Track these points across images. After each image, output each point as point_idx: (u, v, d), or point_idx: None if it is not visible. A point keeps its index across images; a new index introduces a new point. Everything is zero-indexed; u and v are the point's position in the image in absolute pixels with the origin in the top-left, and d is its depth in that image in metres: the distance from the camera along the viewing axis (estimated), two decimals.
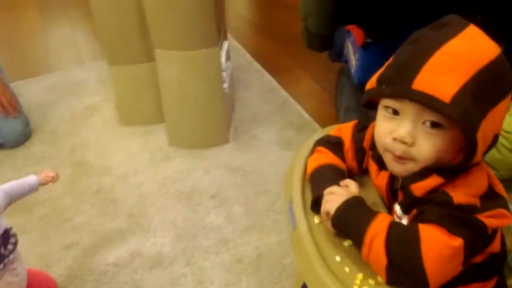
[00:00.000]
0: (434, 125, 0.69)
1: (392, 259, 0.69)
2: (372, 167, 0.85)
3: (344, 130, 0.91)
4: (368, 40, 1.53)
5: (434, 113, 0.68)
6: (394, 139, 0.72)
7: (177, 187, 1.76)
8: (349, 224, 0.75)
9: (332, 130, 0.93)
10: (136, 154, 1.95)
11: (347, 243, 0.77)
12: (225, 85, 1.93)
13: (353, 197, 0.77)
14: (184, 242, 1.54)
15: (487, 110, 0.68)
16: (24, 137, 2.03)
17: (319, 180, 0.83)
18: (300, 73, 2.39)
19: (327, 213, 0.78)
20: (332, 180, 0.82)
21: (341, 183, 0.81)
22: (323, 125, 1.96)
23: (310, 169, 0.87)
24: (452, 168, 0.71)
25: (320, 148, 0.90)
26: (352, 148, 0.89)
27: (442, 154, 0.71)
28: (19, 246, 1.42)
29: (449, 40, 0.68)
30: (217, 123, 1.95)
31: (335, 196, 0.77)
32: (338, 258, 0.74)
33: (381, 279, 0.71)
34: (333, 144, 0.88)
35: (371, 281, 0.71)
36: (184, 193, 1.73)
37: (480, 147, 0.68)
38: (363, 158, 0.88)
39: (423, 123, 0.70)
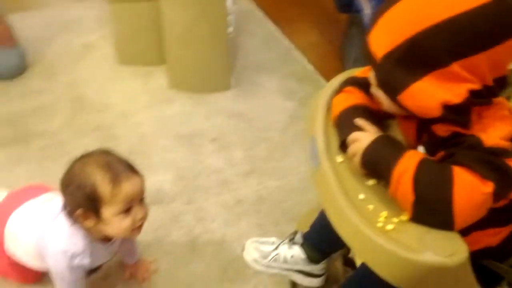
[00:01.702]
0: None
1: (420, 196, 0.69)
2: None
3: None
4: None
5: None
6: None
7: (177, 129, 1.75)
8: (377, 162, 0.75)
9: (358, 72, 0.92)
10: (136, 94, 1.92)
11: (371, 182, 0.78)
12: (230, 29, 1.89)
13: (379, 136, 0.77)
14: (185, 181, 1.54)
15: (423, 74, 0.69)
16: (19, 70, 1.97)
17: (349, 121, 0.82)
18: (304, 24, 2.35)
19: (354, 154, 0.78)
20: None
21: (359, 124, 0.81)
22: (326, 77, 1.95)
23: (340, 108, 0.86)
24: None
25: (349, 88, 0.88)
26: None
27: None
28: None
29: None
30: (219, 67, 1.92)
31: (363, 135, 0.77)
32: (361, 196, 0.75)
33: (405, 217, 0.72)
34: (363, 85, 0.87)
35: (395, 219, 0.71)
36: (185, 136, 1.72)
37: (414, 106, 0.72)
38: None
39: None
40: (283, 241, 1.14)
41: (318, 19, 2.35)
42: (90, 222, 1.00)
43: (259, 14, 2.42)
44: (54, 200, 1.12)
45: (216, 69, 1.91)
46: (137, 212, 1.00)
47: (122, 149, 1.64)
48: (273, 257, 1.11)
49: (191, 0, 1.74)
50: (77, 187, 0.98)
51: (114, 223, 0.98)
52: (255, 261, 1.14)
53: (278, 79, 2.00)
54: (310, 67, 2.06)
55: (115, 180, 0.96)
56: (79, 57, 2.10)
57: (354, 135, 0.79)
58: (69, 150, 1.64)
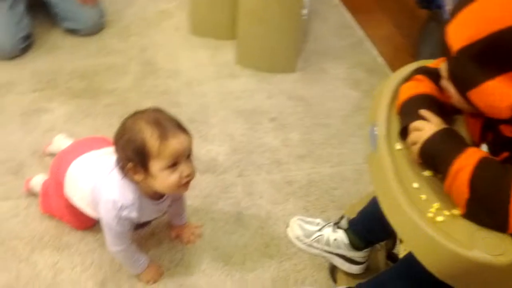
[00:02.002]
0: None
1: (475, 194, 0.67)
2: None
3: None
4: None
5: None
6: None
7: (239, 104, 1.77)
8: (436, 154, 0.73)
9: (430, 62, 0.89)
10: (203, 65, 1.96)
11: (427, 173, 0.76)
12: (304, 11, 1.89)
13: (443, 128, 0.75)
14: (239, 155, 1.57)
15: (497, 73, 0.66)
16: (98, 28, 2.07)
17: (414, 108, 0.81)
18: (381, 15, 2.30)
19: (414, 143, 0.77)
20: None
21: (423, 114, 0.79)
22: None
23: (406, 95, 0.84)
24: None
25: (419, 76, 0.87)
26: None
27: None
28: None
29: None
30: (288, 49, 1.92)
31: (427, 125, 0.76)
32: (415, 185, 0.74)
33: (457, 212, 0.70)
34: (434, 75, 0.85)
35: (446, 212, 0.70)
36: (245, 111, 1.74)
37: (483, 105, 0.70)
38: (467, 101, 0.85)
39: None
40: (328, 223, 1.14)
41: (395, 12, 2.29)
42: (139, 177, 1.03)
43: (335, 0, 2.39)
44: (113, 154, 1.16)
45: (284, 50, 1.91)
46: (183, 168, 1.02)
47: (184, 116, 1.68)
48: (316, 238, 1.11)
49: None
50: (128, 142, 1.01)
51: (161, 178, 1.01)
52: (298, 238, 1.14)
53: (345, 67, 1.98)
54: (380, 60, 2.02)
55: (163, 136, 0.99)
56: (154, 22, 2.16)
57: (417, 123, 0.78)
58: (134, 110, 1.69)
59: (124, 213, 1.07)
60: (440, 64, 0.85)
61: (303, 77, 1.93)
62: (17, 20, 1.88)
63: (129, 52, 1.98)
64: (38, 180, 1.38)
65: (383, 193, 0.75)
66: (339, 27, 2.21)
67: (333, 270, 1.20)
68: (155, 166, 1.00)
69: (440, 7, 1.65)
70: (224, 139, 1.62)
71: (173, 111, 1.10)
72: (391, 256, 1.16)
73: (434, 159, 0.74)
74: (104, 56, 1.95)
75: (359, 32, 2.18)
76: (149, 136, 0.99)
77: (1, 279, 1.22)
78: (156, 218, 1.27)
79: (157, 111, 1.06)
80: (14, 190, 1.42)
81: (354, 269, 1.13)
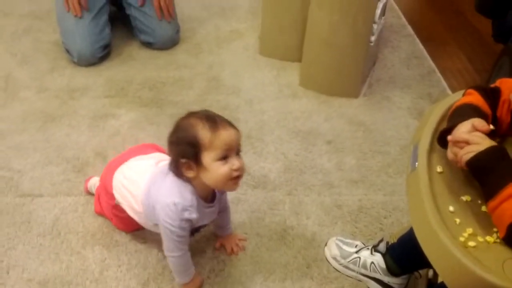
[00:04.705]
0: None
1: None
2: None
3: (507, 83, 0.85)
4: None
5: None
6: None
7: (296, 124, 1.78)
8: (490, 170, 0.70)
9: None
10: (266, 84, 1.99)
11: (465, 198, 0.73)
12: (372, 38, 1.87)
13: (497, 146, 0.72)
14: (291, 174, 1.57)
15: None
16: (172, 43, 2.17)
17: (456, 116, 0.78)
18: (453, 48, 2.24)
19: (467, 153, 0.74)
20: (470, 118, 0.77)
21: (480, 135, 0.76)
22: None
23: (456, 104, 0.83)
24: None
25: (470, 90, 0.86)
26: (510, 101, 0.83)
27: None
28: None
29: None
30: (353, 74, 1.91)
31: (482, 139, 0.73)
32: (451, 208, 0.71)
33: (491, 239, 0.67)
34: (486, 91, 0.82)
35: (480, 238, 0.67)
36: (302, 132, 1.75)
37: None
38: None
39: None
40: (367, 246, 1.10)
41: (470, 45, 2.22)
42: (192, 172, 1.06)
43: (408, 30, 2.36)
44: (165, 160, 1.20)
45: (348, 75, 1.91)
46: (234, 162, 1.05)
47: (241, 131, 1.73)
48: (352, 259, 1.09)
49: (339, 3, 1.76)
50: (181, 137, 1.07)
51: (213, 169, 1.04)
52: (335, 258, 1.12)
53: (411, 97, 1.94)
54: (449, 93, 1.96)
55: (214, 127, 1.03)
56: (224, 41, 2.24)
57: (470, 136, 0.74)
58: None
59: (186, 214, 1.09)
60: (502, 83, 0.83)
61: (366, 103, 1.91)
62: (99, 30, 2.02)
63: (197, 68, 2.06)
64: (94, 182, 1.45)
65: (416, 213, 0.73)
66: (409, 56, 2.18)
67: None
68: (207, 157, 1.04)
69: None
70: (277, 157, 1.63)
71: None
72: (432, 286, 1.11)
73: (486, 174, 0.71)
74: (174, 69, 2.04)
75: (430, 63, 2.13)
76: (201, 128, 1.04)
77: (53, 268, 1.29)
78: (205, 226, 1.28)
79: (208, 111, 1.12)
80: (76, 187, 1.51)
81: None
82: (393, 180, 1.57)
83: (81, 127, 1.74)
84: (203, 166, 1.05)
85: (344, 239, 1.13)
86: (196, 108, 1.75)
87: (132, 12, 2.12)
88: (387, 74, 2.06)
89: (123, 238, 1.37)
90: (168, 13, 2.11)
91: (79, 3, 1.97)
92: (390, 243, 1.08)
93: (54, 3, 2.07)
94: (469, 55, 2.17)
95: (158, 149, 1.35)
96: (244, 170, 1.08)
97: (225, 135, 1.03)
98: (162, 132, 1.70)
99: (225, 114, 1.78)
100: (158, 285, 1.26)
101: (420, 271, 1.10)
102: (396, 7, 2.53)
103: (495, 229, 0.69)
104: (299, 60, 2.00)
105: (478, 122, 0.75)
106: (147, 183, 1.17)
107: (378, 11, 1.83)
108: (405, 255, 1.04)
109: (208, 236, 1.38)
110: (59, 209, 1.44)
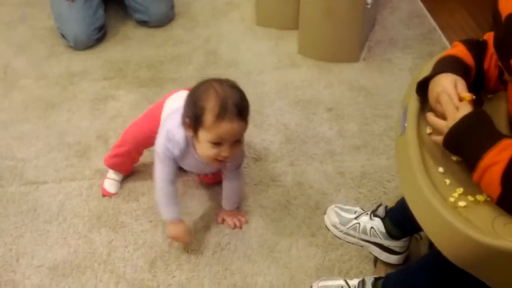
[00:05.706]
0: None
1: (508, 191, 0.62)
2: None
3: None
4: None
5: None
6: None
7: (297, 94, 1.76)
8: (463, 144, 0.68)
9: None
10: (265, 55, 1.97)
11: (455, 157, 0.71)
12: (369, 0, 1.83)
13: (474, 112, 0.69)
14: (292, 145, 1.56)
15: None
16: (167, 19, 2.14)
17: (437, 67, 0.76)
18: (454, 3, 2.18)
19: (440, 132, 0.71)
20: (451, 69, 0.75)
21: (456, 103, 0.72)
22: None
23: (436, 60, 0.81)
24: None
25: (456, 43, 0.84)
26: None
27: None
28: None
29: None
30: (351, 38, 1.87)
31: (452, 111, 0.70)
32: (441, 169, 0.69)
33: (481, 198, 0.65)
34: (473, 43, 0.79)
35: (470, 198, 0.65)
36: (302, 101, 1.73)
37: None
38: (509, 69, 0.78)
39: None
40: (365, 212, 1.10)
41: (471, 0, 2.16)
42: (189, 132, 1.12)
43: None
44: None
45: (347, 40, 1.87)
46: (224, 149, 1.08)
47: None
48: (352, 226, 1.08)
49: None
50: (193, 102, 1.08)
51: (203, 146, 1.10)
52: (334, 226, 1.12)
53: (412, 57, 1.90)
54: None
55: (219, 116, 1.04)
56: (220, 14, 2.20)
57: (447, 107, 0.72)
58: None
59: (170, 145, 1.15)
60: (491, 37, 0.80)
61: (366, 67, 1.87)
62: (92, 12, 1.99)
63: (194, 43, 2.03)
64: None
65: (405, 176, 0.71)
66: (409, 16, 2.12)
67: (377, 261, 1.16)
68: (203, 135, 1.08)
69: None
70: (278, 128, 1.62)
71: None
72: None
73: (460, 150, 0.68)
74: (171, 46, 2.02)
75: (430, 21, 2.08)
76: (209, 109, 1.05)
77: (61, 253, 1.31)
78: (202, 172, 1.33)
79: (232, 87, 1.11)
80: (80, 171, 1.52)
81: (393, 259, 1.08)
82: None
83: (82, 111, 1.74)
84: (197, 137, 1.09)
85: (342, 206, 1.12)
86: (195, 84, 1.73)
87: None
88: (387, 35, 2.01)
89: (128, 219, 1.38)
90: None
91: None
92: (388, 207, 1.07)
93: None
94: (470, 10, 2.11)
95: None
96: (232, 159, 1.14)
97: (225, 128, 1.05)
98: None
99: None
100: (165, 263, 1.27)
101: (421, 233, 1.10)
102: None
103: None
104: (297, 28, 1.96)
105: (461, 84, 0.73)
106: (172, 110, 1.23)
107: None
108: (404, 218, 1.03)
109: (213, 212, 1.38)
110: (64, 194, 1.45)
